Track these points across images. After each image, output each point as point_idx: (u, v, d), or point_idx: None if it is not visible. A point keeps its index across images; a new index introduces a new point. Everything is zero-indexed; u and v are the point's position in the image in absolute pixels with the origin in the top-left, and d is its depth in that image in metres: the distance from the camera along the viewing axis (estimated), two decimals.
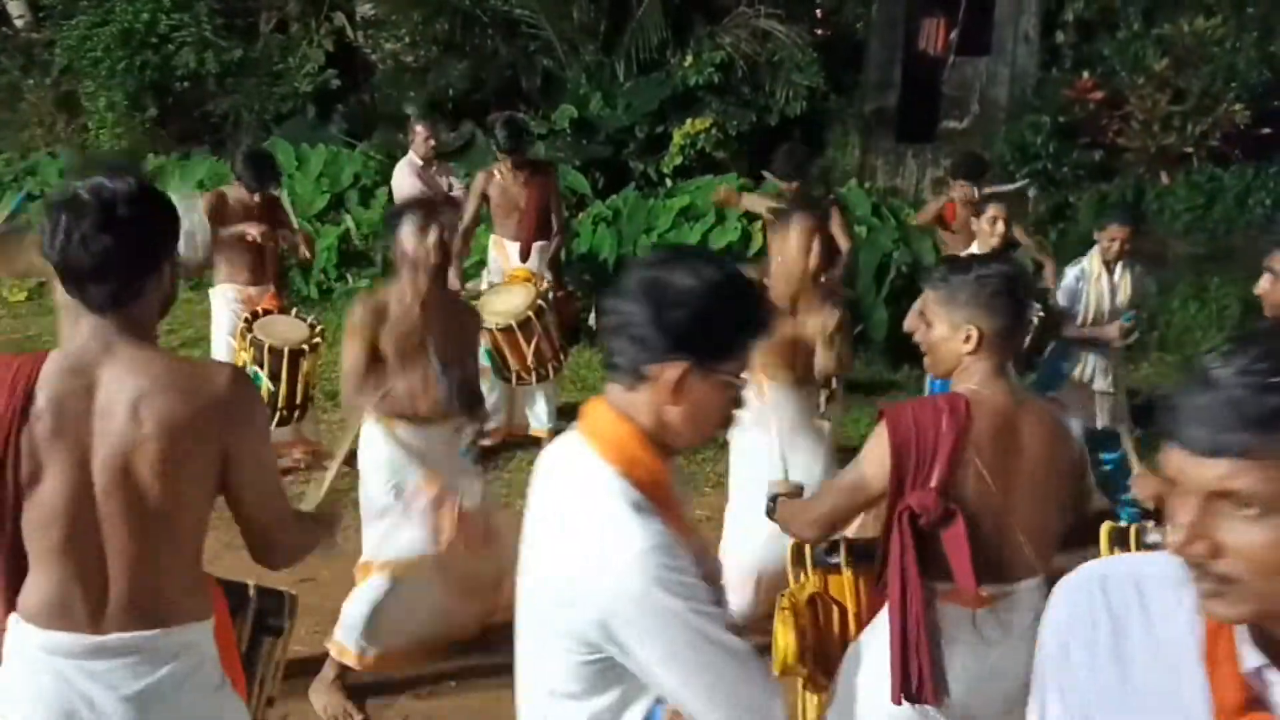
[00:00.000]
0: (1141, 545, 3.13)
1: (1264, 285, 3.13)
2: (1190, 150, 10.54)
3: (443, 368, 4.04)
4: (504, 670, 4.33)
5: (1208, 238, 9.95)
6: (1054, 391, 5.77)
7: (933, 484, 2.49)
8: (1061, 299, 5.70)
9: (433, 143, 7.51)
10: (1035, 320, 5.11)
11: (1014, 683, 2.64)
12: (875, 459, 2.56)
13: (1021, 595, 2.61)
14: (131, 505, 2.18)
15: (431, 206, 4.35)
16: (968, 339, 2.56)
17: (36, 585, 2.22)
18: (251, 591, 2.77)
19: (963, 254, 5.67)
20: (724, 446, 6.47)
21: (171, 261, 2.27)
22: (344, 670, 4.23)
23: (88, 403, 2.17)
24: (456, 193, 7.43)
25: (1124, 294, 5.69)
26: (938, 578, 2.56)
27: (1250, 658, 1.25)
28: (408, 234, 4.00)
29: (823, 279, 4.52)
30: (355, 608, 4.20)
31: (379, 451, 4.25)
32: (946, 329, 2.59)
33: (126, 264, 2.17)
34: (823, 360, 4.31)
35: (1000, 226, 5.61)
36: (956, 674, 2.55)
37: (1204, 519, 1.19)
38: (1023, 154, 10.64)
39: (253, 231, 6.03)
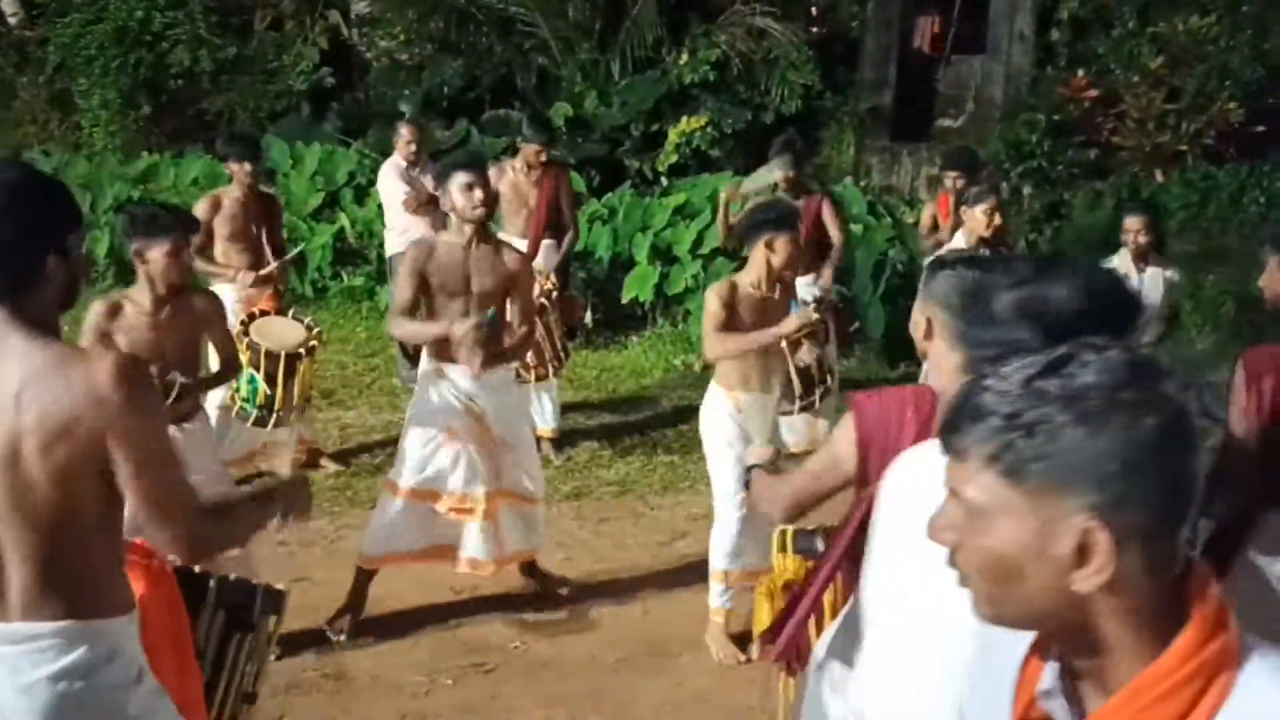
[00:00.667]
0: None
1: (1265, 278, 3.13)
2: (1185, 148, 10.57)
3: (490, 315, 4.54)
4: (500, 669, 4.36)
5: (1202, 236, 9.98)
6: None
7: None
8: None
9: (414, 146, 7.45)
10: None
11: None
12: (843, 445, 2.55)
13: None
14: (20, 497, 2.14)
15: (480, 167, 4.71)
16: (918, 326, 2.51)
17: None
18: (211, 585, 2.73)
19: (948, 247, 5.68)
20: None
21: (63, 251, 2.19)
22: (365, 575, 4.77)
23: None
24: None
25: (1155, 295, 5.71)
26: None
27: (1046, 678, 1.25)
28: (457, 189, 4.52)
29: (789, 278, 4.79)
30: (374, 521, 4.84)
31: (427, 388, 4.76)
32: (916, 311, 2.55)
33: (6, 255, 2.12)
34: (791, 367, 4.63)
35: (996, 219, 5.60)
36: None
37: (950, 514, 1.21)
38: (1018, 152, 10.65)
39: (250, 293, 5.99)
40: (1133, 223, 5.72)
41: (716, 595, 4.67)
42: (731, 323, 4.53)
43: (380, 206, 10.04)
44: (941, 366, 2.55)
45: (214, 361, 4.71)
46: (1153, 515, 1.13)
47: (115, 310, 4.23)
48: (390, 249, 7.60)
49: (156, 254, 4.18)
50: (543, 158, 6.75)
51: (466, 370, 4.64)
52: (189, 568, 2.69)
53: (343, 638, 4.61)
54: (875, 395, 2.61)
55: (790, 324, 4.59)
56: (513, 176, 6.77)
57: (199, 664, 2.67)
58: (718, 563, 4.66)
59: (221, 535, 2.40)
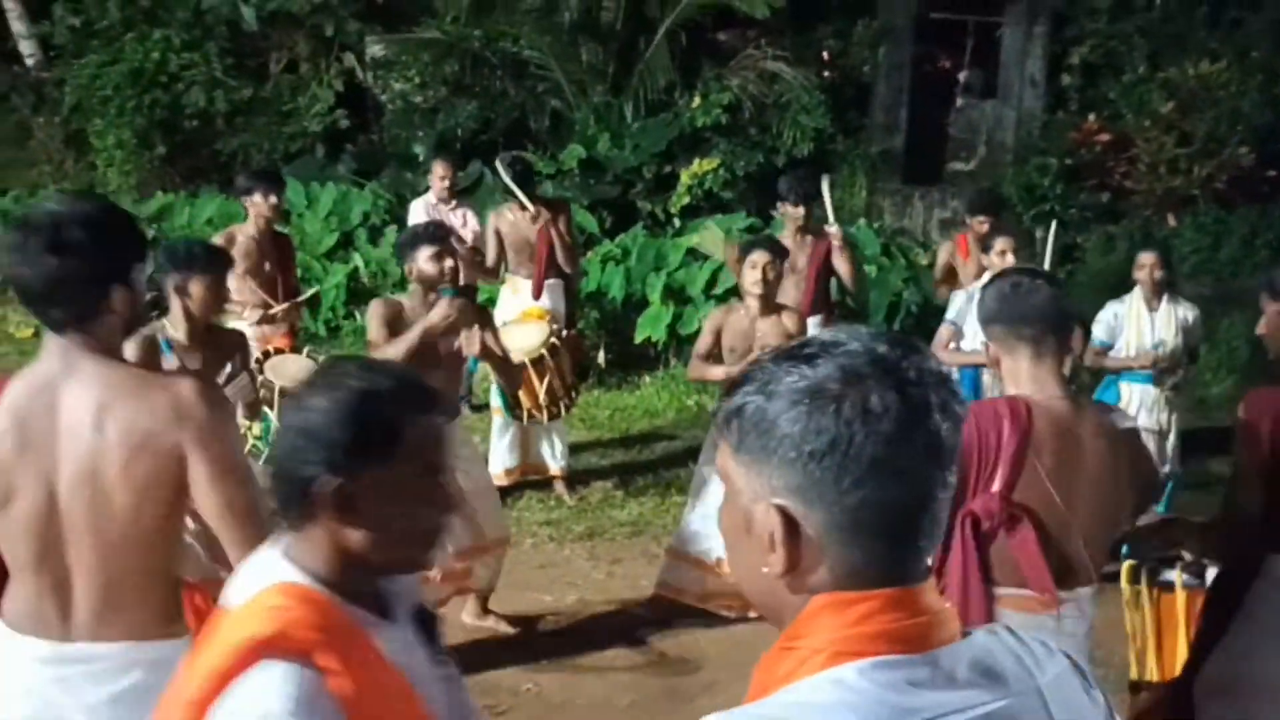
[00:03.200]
0: (1154, 584, 3.12)
1: (1263, 326, 3.12)
2: (1196, 193, 10.58)
3: (474, 362, 4.72)
4: (512, 711, 4.28)
5: (1214, 279, 9.96)
6: None
7: (995, 488, 2.46)
8: (1100, 333, 5.74)
9: (448, 182, 7.50)
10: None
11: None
12: None
13: (1081, 602, 2.60)
14: (94, 517, 2.20)
15: (446, 236, 4.88)
16: (988, 348, 2.60)
17: (14, 593, 2.28)
18: None
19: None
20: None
21: (129, 284, 2.26)
22: None
23: (51, 422, 2.20)
24: (472, 230, 7.42)
25: (1167, 333, 5.69)
26: (998, 582, 2.53)
27: None
28: (425, 260, 4.64)
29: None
30: None
31: None
32: (988, 350, 2.62)
33: (75, 286, 2.19)
34: None
35: (1010, 258, 5.60)
36: None
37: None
38: (1030, 195, 10.67)
39: (263, 334, 6.00)
40: (1147, 258, 5.74)
41: None
42: (717, 341, 4.93)
43: (394, 246, 10.12)
44: (1020, 380, 2.56)
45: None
46: (845, 511, 1.09)
47: (154, 344, 4.36)
48: None
49: (198, 288, 4.35)
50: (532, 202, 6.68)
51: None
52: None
53: None
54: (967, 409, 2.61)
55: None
56: (512, 218, 6.78)
57: None
58: None
59: None
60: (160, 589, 2.32)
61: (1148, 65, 11.00)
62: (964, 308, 5.61)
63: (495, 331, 4.93)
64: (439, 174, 7.53)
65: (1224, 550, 2.86)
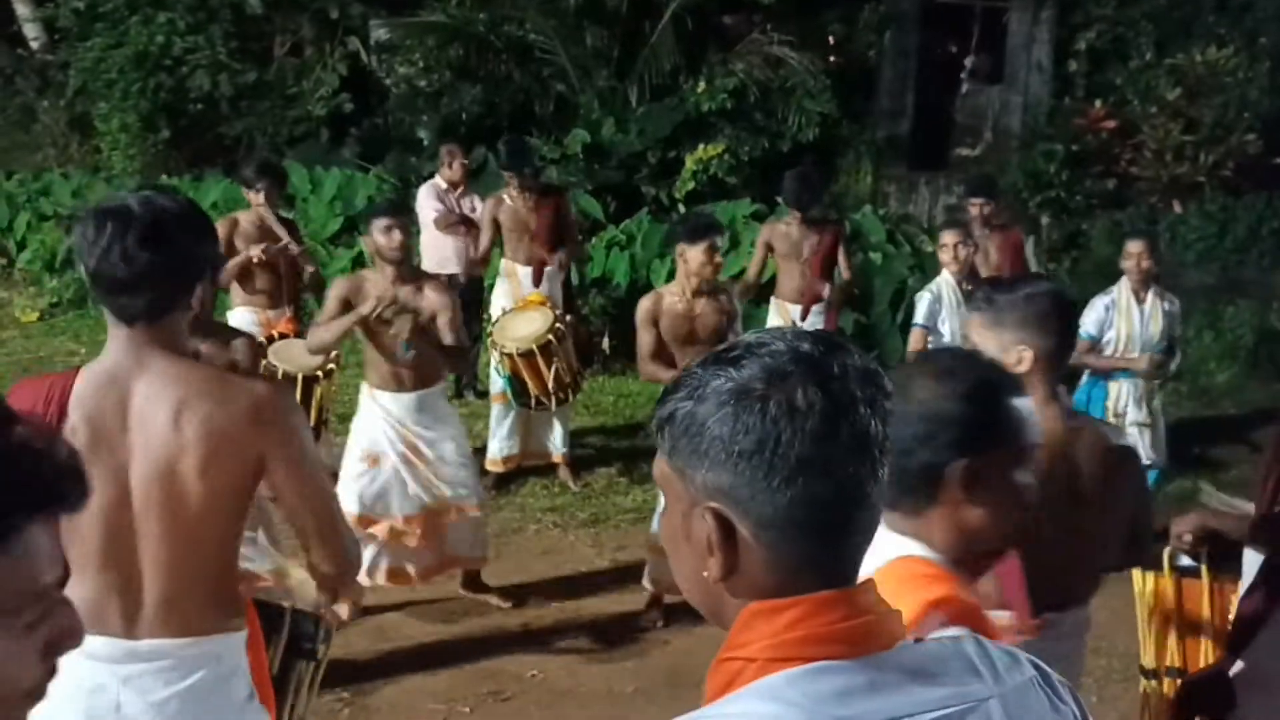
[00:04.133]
0: (1174, 569, 3.09)
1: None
2: (1203, 180, 10.54)
3: (406, 345, 4.74)
4: (518, 698, 4.30)
5: (1220, 267, 9.94)
6: None
7: None
8: (1090, 327, 5.65)
9: (457, 167, 7.49)
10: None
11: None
12: None
13: (1074, 622, 2.59)
14: (168, 514, 2.22)
15: (401, 210, 5.11)
16: (1020, 360, 2.49)
17: (75, 591, 2.21)
18: (287, 615, 2.77)
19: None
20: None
21: (206, 281, 2.32)
22: None
23: (122, 416, 2.21)
24: (477, 215, 7.42)
25: (1155, 326, 5.66)
26: (989, 605, 2.53)
27: None
28: (378, 231, 4.75)
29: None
30: None
31: (361, 412, 5.01)
32: (995, 350, 2.52)
33: (163, 279, 2.21)
34: None
35: (955, 252, 5.60)
36: None
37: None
38: (1036, 182, 10.64)
39: (255, 251, 6.02)
40: (1135, 247, 5.67)
41: None
42: (658, 335, 5.00)
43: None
44: (1038, 390, 2.51)
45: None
46: (777, 510, 1.08)
47: (256, 344, 4.60)
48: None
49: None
50: (529, 185, 6.74)
51: (401, 394, 4.89)
52: (261, 599, 2.74)
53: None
54: None
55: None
56: (511, 204, 6.78)
57: None
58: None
59: (356, 555, 2.53)
60: (225, 584, 2.34)
61: (1155, 51, 10.96)
62: (932, 307, 5.57)
63: (455, 315, 4.94)
64: (448, 159, 7.51)
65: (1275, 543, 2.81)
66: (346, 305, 4.77)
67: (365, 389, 5.02)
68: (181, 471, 2.20)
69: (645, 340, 5.00)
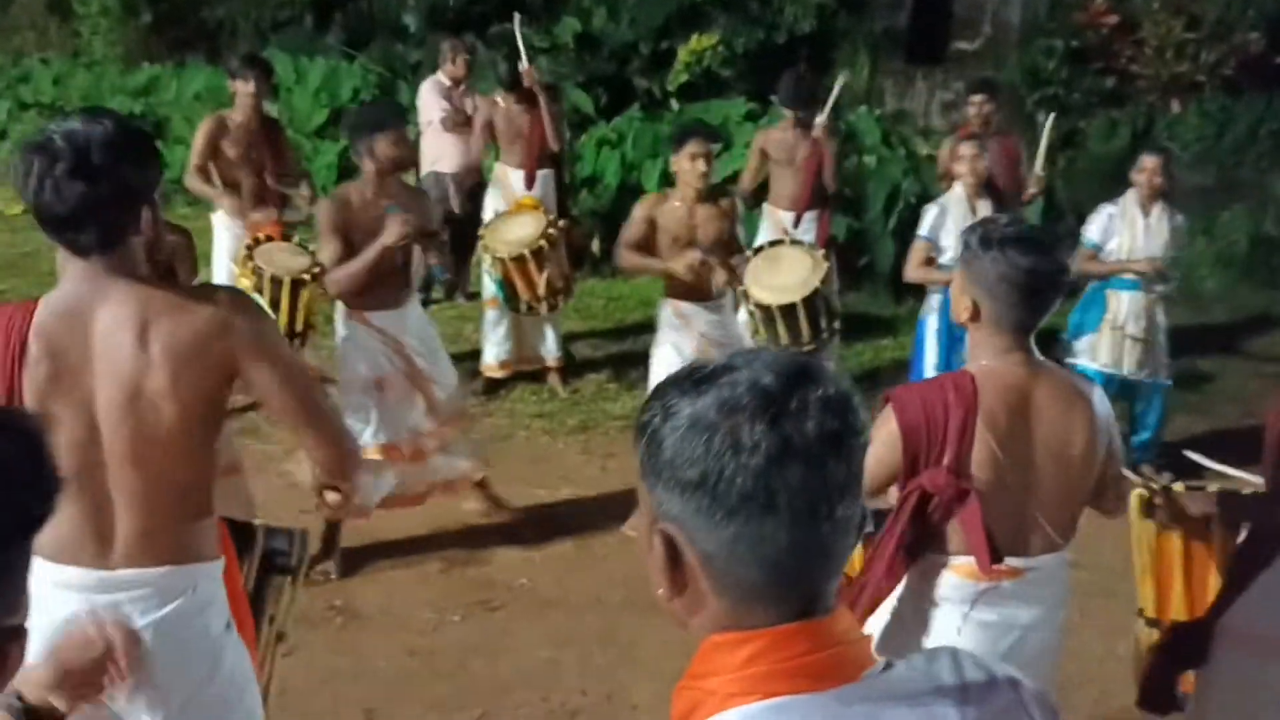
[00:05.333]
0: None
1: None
2: (1203, 79, 10.38)
3: (439, 269, 4.67)
4: (508, 606, 4.36)
5: (1217, 169, 9.85)
6: (1088, 334, 5.75)
7: (945, 463, 2.47)
8: (1094, 235, 5.66)
9: (461, 64, 7.30)
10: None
11: (1042, 652, 2.67)
12: (884, 441, 2.51)
13: (1048, 568, 2.61)
14: (139, 440, 2.19)
15: (399, 115, 4.82)
16: (965, 309, 2.53)
17: (50, 523, 2.22)
18: (259, 533, 2.78)
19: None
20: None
21: (153, 204, 2.22)
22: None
23: (85, 346, 2.17)
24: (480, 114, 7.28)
25: (1159, 239, 5.63)
26: (953, 552, 2.56)
27: None
28: (389, 143, 4.51)
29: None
30: None
31: (348, 340, 4.80)
32: (957, 288, 2.56)
33: (104, 210, 2.13)
34: (718, 279, 4.89)
35: (973, 165, 5.50)
36: (976, 647, 2.57)
37: None
38: (1035, 78, 10.47)
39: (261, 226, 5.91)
40: (1150, 161, 5.62)
41: None
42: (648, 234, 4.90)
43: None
44: (984, 347, 2.54)
45: None
46: (721, 543, 1.07)
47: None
48: (423, 171, 7.44)
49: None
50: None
51: (389, 311, 4.70)
52: (231, 517, 2.75)
53: (334, 576, 4.66)
54: (911, 388, 2.61)
55: (680, 263, 4.83)
56: (505, 107, 6.66)
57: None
58: None
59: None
60: (200, 510, 2.31)
61: None
62: (937, 220, 5.50)
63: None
64: (450, 55, 7.31)
65: (1269, 515, 2.84)
66: (342, 229, 4.54)
67: (345, 314, 4.76)
68: (149, 392, 2.17)
69: (633, 231, 4.96)
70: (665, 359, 5.00)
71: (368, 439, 4.72)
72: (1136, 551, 3.19)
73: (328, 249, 4.60)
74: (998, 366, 2.52)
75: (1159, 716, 3.04)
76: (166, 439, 2.20)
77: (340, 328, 4.83)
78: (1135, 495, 3.06)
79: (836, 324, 5.65)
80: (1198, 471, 3.39)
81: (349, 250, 4.52)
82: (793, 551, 1.08)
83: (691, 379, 1.11)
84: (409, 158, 4.66)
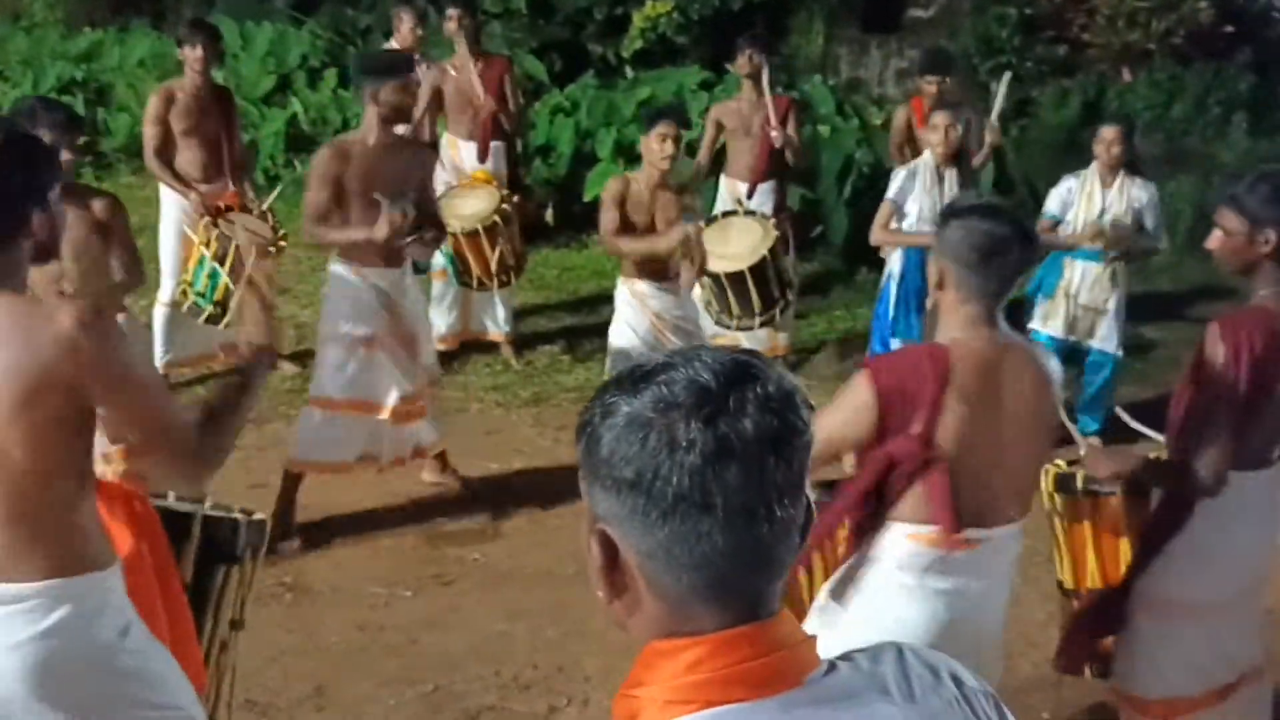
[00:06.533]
0: (1088, 492, 3.17)
1: (1213, 241, 3.04)
2: (1153, 47, 10.46)
3: (390, 202, 4.47)
4: (459, 580, 4.35)
5: (1165, 138, 9.94)
6: (1042, 300, 5.82)
7: (914, 431, 2.50)
8: (1053, 207, 5.73)
9: (420, 32, 7.14)
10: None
11: (989, 621, 2.73)
12: (852, 407, 2.56)
13: (1001, 540, 2.66)
14: None
15: (408, 63, 4.79)
16: (937, 281, 2.60)
17: None
18: (195, 525, 2.74)
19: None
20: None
21: (42, 210, 2.17)
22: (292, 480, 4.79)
23: None
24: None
25: (1118, 210, 5.66)
26: (916, 520, 2.59)
27: None
28: (392, 88, 4.51)
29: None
30: (300, 433, 4.84)
31: (341, 291, 4.74)
32: (932, 269, 2.63)
33: None
34: (685, 274, 4.86)
35: (946, 136, 5.50)
36: (928, 615, 2.62)
37: None
38: (988, 47, 10.50)
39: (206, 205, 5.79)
40: (1109, 132, 5.65)
41: None
42: (623, 216, 4.86)
43: (334, 91, 9.80)
44: (954, 317, 2.58)
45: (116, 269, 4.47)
46: (658, 544, 1.06)
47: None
48: None
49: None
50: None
51: (389, 270, 4.69)
52: (169, 507, 2.71)
53: (296, 545, 4.64)
54: (886, 357, 2.65)
55: (674, 235, 4.80)
56: (455, 74, 6.56)
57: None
58: None
59: (220, 446, 2.39)
60: (81, 521, 2.24)
61: None
62: (905, 184, 5.53)
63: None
64: (409, 24, 7.17)
65: (1176, 482, 2.90)
66: (333, 180, 4.51)
67: (343, 264, 4.72)
68: None
69: (609, 218, 4.93)
70: (620, 339, 5.03)
71: (335, 392, 4.71)
72: (1053, 521, 3.26)
73: (312, 197, 4.55)
74: (968, 339, 2.57)
75: (1077, 677, 3.20)
76: (22, 461, 2.12)
77: (333, 277, 4.77)
78: (1049, 472, 3.13)
79: (791, 295, 5.69)
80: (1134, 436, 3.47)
81: (337, 201, 4.54)
82: (731, 554, 1.06)
83: (631, 377, 1.09)
84: (410, 107, 4.59)
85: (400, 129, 4.93)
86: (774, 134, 6.24)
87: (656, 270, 4.95)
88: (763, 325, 5.58)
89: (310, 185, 4.62)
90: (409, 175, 4.66)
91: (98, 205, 4.36)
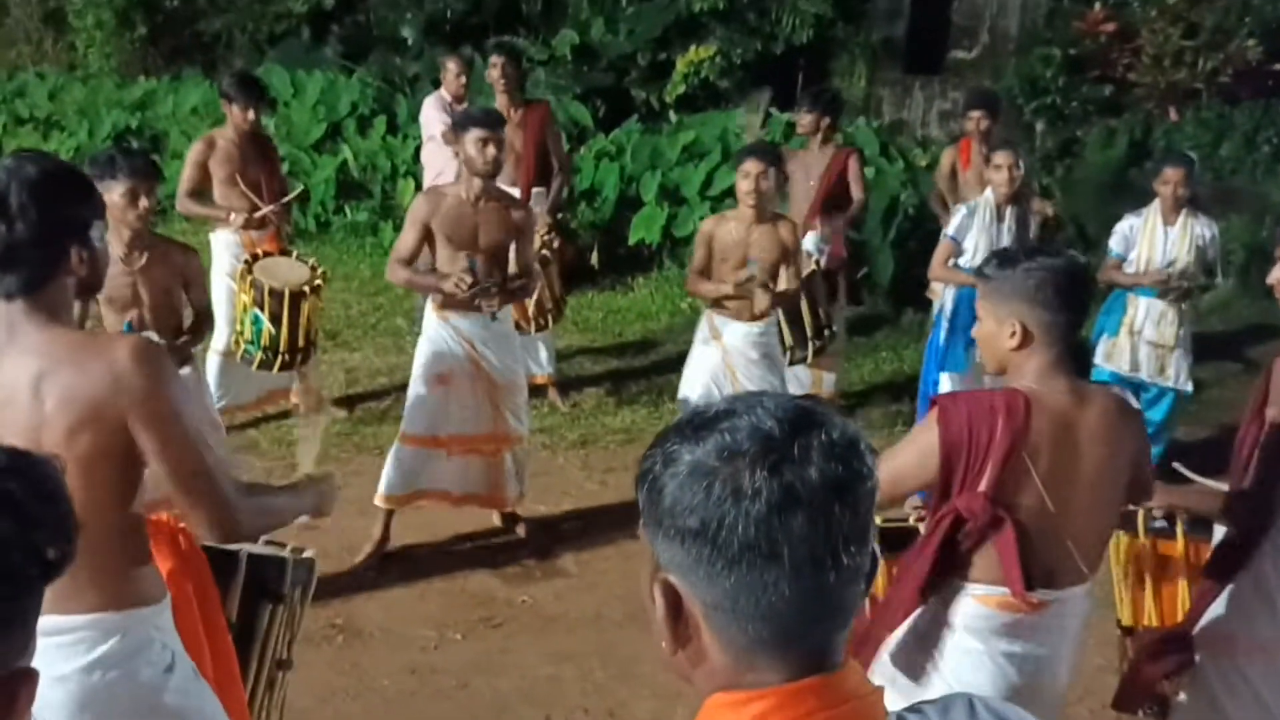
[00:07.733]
0: (1149, 531, 3.12)
1: (1276, 275, 2.99)
2: (1200, 86, 10.38)
3: (472, 262, 4.68)
4: (508, 623, 4.34)
5: (1214, 177, 9.84)
6: (1107, 338, 5.81)
7: (982, 488, 2.43)
8: (1115, 245, 5.74)
9: (464, 80, 7.24)
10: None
11: (1056, 682, 2.66)
12: (923, 449, 2.49)
13: (1072, 600, 2.58)
14: None
15: (499, 123, 4.82)
16: (1012, 335, 2.47)
17: None
18: (241, 563, 2.73)
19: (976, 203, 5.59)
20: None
21: (84, 244, 2.17)
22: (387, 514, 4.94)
23: None
24: None
25: (1180, 249, 5.63)
26: (985, 580, 2.53)
27: None
28: (471, 143, 4.63)
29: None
30: (388, 466, 4.94)
31: (426, 333, 4.92)
32: (993, 323, 2.51)
33: (24, 253, 2.09)
34: (760, 303, 4.95)
35: (1009, 175, 5.49)
36: (994, 680, 2.55)
37: None
38: (1032, 87, 10.47)
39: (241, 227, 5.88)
40: (1173, 174, 5.61)
41: None
42: (707, 255, 5.00)
43: (383, 138, 9.94)
44: (1028, 366, 2.48)
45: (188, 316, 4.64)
46: (724, 594, 1.04)
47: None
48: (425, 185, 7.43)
49: (114, 196, 4.16)
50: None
51: (472, 316, 4.80)
52: (215, 544, 2.69)
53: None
54: (960, 399, 2.54)
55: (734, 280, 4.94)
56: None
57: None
58: None
59: (254, 522, 2.38)
60: (130, 556, 2.26)
61: None
62: (964, 222, 5.53)
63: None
64: (454, 71, 7.27)
65: (1247, 519, 2.84)
66: (427, 229, 4.69)
67: (432, 310, 4.91)
68: (48, 445, 2.08)
69: (697, 257, 5.11)
70: (691, 370, 5.23)
71: (419, 430, 4.85)
72: (1112, 562, 3.20)
73: (401, 237, 4.80)
74: (1045, 391, 2.47)
75: (1132, 716, 3.11)
76: (70, 490, 2.13)
77: (424, 318, 5.01)
78: None
79: (828, 331, 5.74)
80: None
81: (425, 243, 4.74)
82: (798, 603, 1.04)
83: (692, 424, 1.08)
84: (489, 162, 4.64)
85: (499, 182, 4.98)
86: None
87: (736, 309, 5.07)
88: (800, 361, 5.65)
89: (405, 225, 4.84)
90: (498, 229, 4.74)
91: (178, 255, 4.51)
